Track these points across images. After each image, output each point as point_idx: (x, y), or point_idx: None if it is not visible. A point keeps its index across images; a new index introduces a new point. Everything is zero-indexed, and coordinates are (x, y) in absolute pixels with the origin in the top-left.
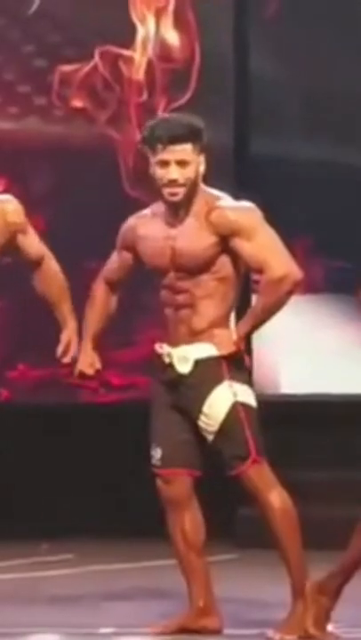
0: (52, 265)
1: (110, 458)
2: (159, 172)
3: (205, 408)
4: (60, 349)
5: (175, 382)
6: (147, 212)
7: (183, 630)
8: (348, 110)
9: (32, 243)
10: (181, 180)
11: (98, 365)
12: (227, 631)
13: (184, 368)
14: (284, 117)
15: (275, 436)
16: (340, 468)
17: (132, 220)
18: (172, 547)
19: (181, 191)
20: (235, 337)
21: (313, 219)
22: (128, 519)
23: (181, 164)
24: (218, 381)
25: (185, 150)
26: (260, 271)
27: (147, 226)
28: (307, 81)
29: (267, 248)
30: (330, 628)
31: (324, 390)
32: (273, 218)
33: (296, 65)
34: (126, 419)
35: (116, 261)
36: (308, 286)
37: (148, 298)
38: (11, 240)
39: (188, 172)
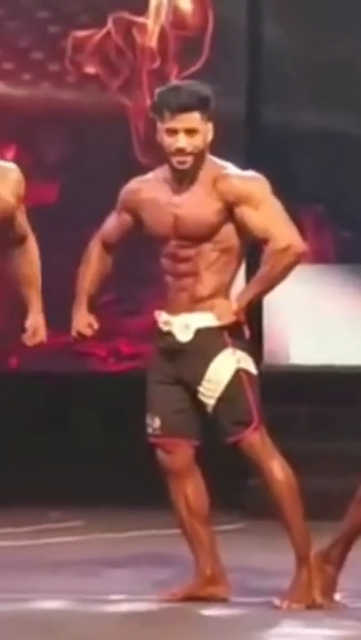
0: (32, 247)
1: (120, 426)
2: (167, 141)
3: (208, 374)
4: (27, 335)
5: (174, 350)
6: (150, 176)
7: (191, 598)
8: None
9: (20, 220)
10: (189, 149)
11: (95, 326)
12: (234, 599)
13: (185, 337)
14: (296, 86)
15: (281, 407)
16: (346, 440)
17: (134, 184)
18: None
19: (189, 160)
20: (235, 307)
21: (323, 188)
22: (137, 487)
23: (190, 132)
24: (220, 348)
25: (193, 119)
26: (264, 241)
27: (150, 191)
28: (320, 50)
29: (272, 218)
30: (337, 597)
31: (332, 361)
32: (283, 187)
33: (309, 34)
34: (136, 387)
35: (114, 223)
36: (318, 256)
37: (158, 266)
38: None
39: (197, 141)
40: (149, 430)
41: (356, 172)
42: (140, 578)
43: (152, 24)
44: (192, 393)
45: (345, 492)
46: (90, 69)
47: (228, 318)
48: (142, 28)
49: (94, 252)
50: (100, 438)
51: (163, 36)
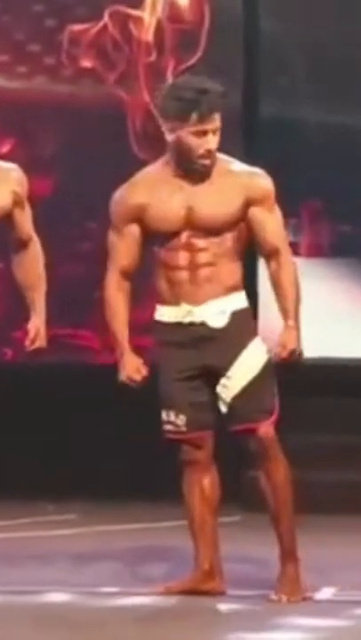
0: (36, 250)
1: (115, 419)
2: (195, 142)
3: (241, 359)
4: (28, 339)
5: (200, 340)
6: (138, 179)
7: (187, 591)
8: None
9: (26, 221)
10: (215, 148)
11: (144, 371)
12: (229, 592)
13: (219, 322)
14: (293, 79)
15: (281, 400)
16: (345, 433)
17: (123, 192)
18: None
19: (211, 159)
20: (292, 324)
21: (321, 182)
22: (131, 481)
23: (215, 132)
24: (252, 335)
25: (219, 118)
26: (273, 246)
27: (148, 192)
28: (318, 42)
29: (281, 226)
30: (333, 591)
31: (330, 354)
32: (281, 180)
33: (307, 26)
34: None
35: (121, 247)
36: (315, 250)
37: (153, 260)
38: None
39: (218, 138)
40: (170, 427)
41: (354, 165)
42: (134, 571)
43: (148, 17)
44: (213, 381)
45: (345, 485)
46: (86, 63)
47: (297, 344)
48: (139, 21)
49: (111, 293)
50: (95, 431)
51: (159, 29)
